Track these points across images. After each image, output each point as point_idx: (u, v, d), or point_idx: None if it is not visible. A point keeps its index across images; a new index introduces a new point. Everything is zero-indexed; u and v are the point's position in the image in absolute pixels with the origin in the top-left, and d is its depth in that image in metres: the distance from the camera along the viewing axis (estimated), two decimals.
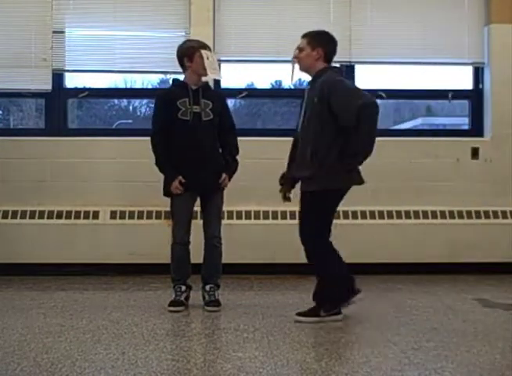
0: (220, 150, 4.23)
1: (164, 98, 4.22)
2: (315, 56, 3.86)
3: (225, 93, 5.78)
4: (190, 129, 4.09)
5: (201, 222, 4.24)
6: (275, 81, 6.49)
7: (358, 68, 5.87)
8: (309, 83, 3.94)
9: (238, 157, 4.27)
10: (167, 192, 4.14)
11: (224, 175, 4.17)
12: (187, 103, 4.11)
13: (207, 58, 4.10)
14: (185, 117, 4.10)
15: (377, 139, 5.72)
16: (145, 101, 7.17)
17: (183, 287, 4.17)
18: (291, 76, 4.00)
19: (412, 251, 5.55)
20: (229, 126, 4.27)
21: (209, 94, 4.20)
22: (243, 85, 6.11)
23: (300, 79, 6.07)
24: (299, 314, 3.82)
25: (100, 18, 5.71)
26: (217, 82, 5.64)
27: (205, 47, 4.16)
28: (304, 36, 3.96)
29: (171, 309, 4.06)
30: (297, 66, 3.95)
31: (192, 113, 4.10)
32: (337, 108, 3.66)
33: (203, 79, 4.14)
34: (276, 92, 6.37)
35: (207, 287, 4.17)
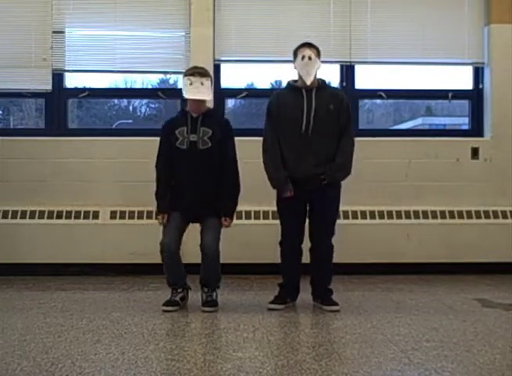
0: (219, 179, 4.16)
1: (166, 127, 4.26)
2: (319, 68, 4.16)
3: (226, 93, 5.86)
4: (187, 158, 4.11)
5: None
6: (275, 81, 6.49)
7: (358, 68, 5.87)
8: (307, 90, 4.07)
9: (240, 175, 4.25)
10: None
11: (224, 221, 4.15)
12: (184, 132, 4.13)
13: (190, 83, 4.10)
14: (182, 146, 4.13)
15: (377, 139, 5.81)
16: (145, 101, 7.18)
17: (179, 289, 4.19)
18: (311, 76, 4.07)
19: (412, 251, 5.55)
20: (229, 160, 4.19)
21: (210, 121, 4.17)
22: (243, 85, 6.11)
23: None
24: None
25: (100, 18, 5.71)
26: (217, 82, 5.66)
27: (194, 74, 4.14)
28: (312, 46, 4.16)
29: (165, 308, 4.07)
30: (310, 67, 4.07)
31: (189, 142, 4.12)
32: (342, 124, 4.09)
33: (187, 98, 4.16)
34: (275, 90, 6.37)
35: (205, 288, 4.18)
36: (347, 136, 4.11)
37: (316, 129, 4.04)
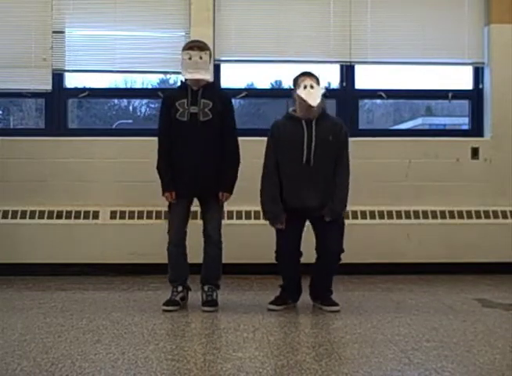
0: (220, 152, 4.16)
1: (166, 100, 4.25)
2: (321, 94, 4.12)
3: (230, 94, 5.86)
4: (187, 130, 4.09)
5: (201, 221, 4.24)
6: (275, 81, 6.49)
7: (358, 68, 5.87)
8: (307, 121, 4.04)
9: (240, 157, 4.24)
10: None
11: (220, 194, 4.15)
12: (185, 104, 4.12)
13: (189, 58, 4.10)
14: (182, 118, 4.10)
15: (378, 139, 5.81)
16: (145, 101, 7.18)
17: (180, 288, 4.19)
18: (317, 100, 4.04)
19: (412, 251, 5.55)
20: (228, 131, 4.18)
21: (210, 94, 4.16)
22: (243, 85, 6.11)
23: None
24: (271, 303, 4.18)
25: (100, 18, 5.71)
26: (217, 82, 5.66)
27: (193, 47, 4.13)
28: (312, 75, 4.11)
29: (165, 308, 4.07)
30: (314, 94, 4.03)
31: (190, 113, 4.10)
32: (338, 155, 4.06)
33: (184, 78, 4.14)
34: (276, 92, 6.36)
35: (206, 288, 4.18)
36: (342, 167, 4.07)
37: (317, 160, 4.01)
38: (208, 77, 4.20)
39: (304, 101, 3.99)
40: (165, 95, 4.34)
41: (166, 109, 4.18)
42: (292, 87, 4.19)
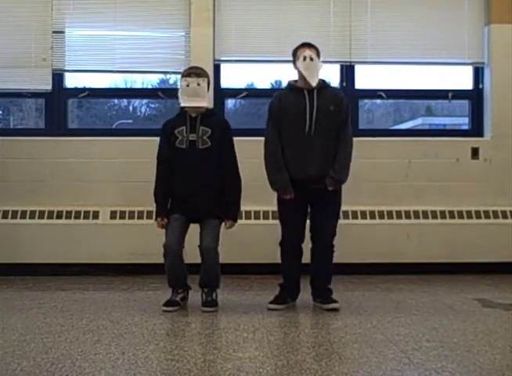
0: (219, 179, 4.16)
1: (165, 127, 4.26)
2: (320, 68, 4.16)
3: (226, 93, 5.86)
4: (186, 157, 4.11)
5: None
6: (275, 81, 6.49)
7: (358, 68, 5.87)
8: (308, 91, 4.06)
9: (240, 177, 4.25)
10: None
11: (227, 223, 4.18)
12: (184, 132, 4.14)
13: (187, 85, 4.11)
14: (181, 146, 4.13)
15: (378, 139, 5.81)
16: (145, 101, 7.18)
17: (180, 289, 4.19)
18: (315, 77, 4.07)
19: (412, 251, 5.55)
20: (228, 160, 4.18)
21: (209, 121, 4.17)
22: (243, 85, 6.11)
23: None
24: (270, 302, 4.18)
25: (100, 18, 5.71)
26: (217, 82, 5.66)
27: (190, 74, 4.14)
28: (311, 46, 4.16)
29: (165, 308, 4.07)
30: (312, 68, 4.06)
31: (189, 141, 4.12)
32: (341, 125, 4.09)
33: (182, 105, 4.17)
34: (276, 91, 6.35)
35: (205, 289, 4.18)
36: (345, 136, 4.10)
37: (318, 130, 4.03)
38: (206, 104, 4.19)
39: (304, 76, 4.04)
40: (165, 123, 4.32)
41: (165, 136, 4.21)
42: (292, 58, 4.20)
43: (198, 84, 4.11)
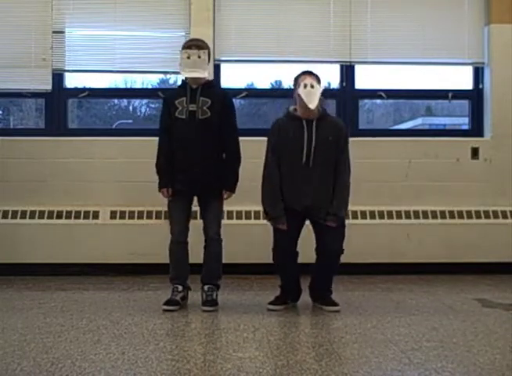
0: (219, 150, 4.18)
1: (166, 98, 4.28)
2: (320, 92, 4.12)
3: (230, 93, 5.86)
4: (186, 127, 4.11)
5: (201, 221, 4.24)
6: (275, 81, 6.49)
7: (358, 68, 5.87)
8: (307, 121, 4.03)
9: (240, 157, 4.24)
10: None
11: (225, 193, 4.18)
12: (184, 102, 4.14)
13: (188, 57, 4.11)
14: (181, 116, 4.13)
15: (377, 139, 5.81)
16: (145, 101, 7.18)
17: (180, 287, 4.19)
18: (315, 102, 4.03)
19: (412, 251, 5.55)
20: (228, 129, 4.19)
21: (210, 92, 4.17)
22: (243, 85, 6.11)
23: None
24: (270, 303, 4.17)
25: (100, 18, 5.71)
26: (217, 82, 5.66)
27: (191, 46, 4.14)
28: (312, 74, 4.10)
29: (165, 307, 4.08)
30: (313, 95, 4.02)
31: (188, 111, 4.12)
32: (339, 156, 4.06)
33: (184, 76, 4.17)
34: (276, 92, 6.36)
35: (206, 288, 4.19)
36: (343, 168, 4.06)
37: (316, 161, 4.00)
38: (206, 75, 4.20)
39: (303, 101, 3.99)
40: (166, 95, 4.37)
41: (166, 107, 4.22)
42: (293, 86, 4.19)
43: (199, 57, 4.12)
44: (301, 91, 4.02)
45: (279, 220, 4.05)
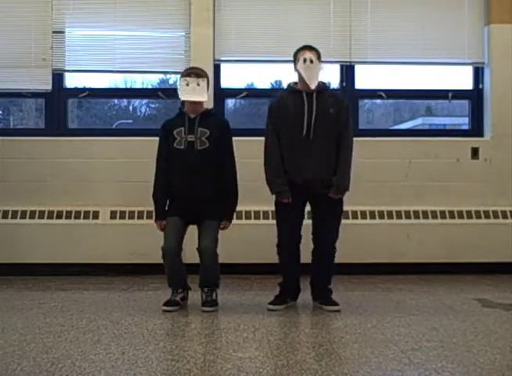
0: (218, 179, 4.16)
1: (164, 128, 4.26)
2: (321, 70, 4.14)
3: (226, 93, 5.86)
4: (184, 158, 4.11)
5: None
6: (275, 81, 6.49)
7: (358, 68, 5.87)
8: (308, 93, 4.04)
9: (236, 181, 4.24)
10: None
11: (223, 223, 4.17)
12: (182, 133, 4.14)
13: (187, 84, 4.11)
14: (179, 147, 4.13)
15: (377, 139, 5.81)
16: (145, 101, 7.17)
17: (180, 289, 4.19)
18: (315, 79, 4.05)
19: (412, 251, 5.55)
20: (227, 159, 4.19)
21: (208, 122, 4.17)
22: (243, 85, 6.11)
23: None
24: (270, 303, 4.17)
25: (100, 18, 5.71)
26: (217, 82, 5.66)
27: (190, 74, 4.15)
28: (312, 48, 4.12)
29: (165, 308, 4.07)
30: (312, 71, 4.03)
31: (187, 142, 4.12)
32: (341, 129, 4.07)
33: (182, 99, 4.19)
34: (276, 92, 6.34)
35: (205, 288, 4.18)
36: (345, 140, 4.08)
37: (317, 133, 4.01)
38: (205, 99, 4.19)
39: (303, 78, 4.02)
40: (164, 124, 4.32)
41: (164, 137, 4.22)
42: (293, 61, 4.18)
43: (198, 84, 4.13)
44: (300, 66, 4.04)
45: (284, 194, 4.06)
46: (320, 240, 4.13)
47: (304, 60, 4.03)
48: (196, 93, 4.11)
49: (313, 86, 4.03)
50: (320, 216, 4.12)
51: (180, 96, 4.18)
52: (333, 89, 4.35)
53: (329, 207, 4.09)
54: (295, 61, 4.14)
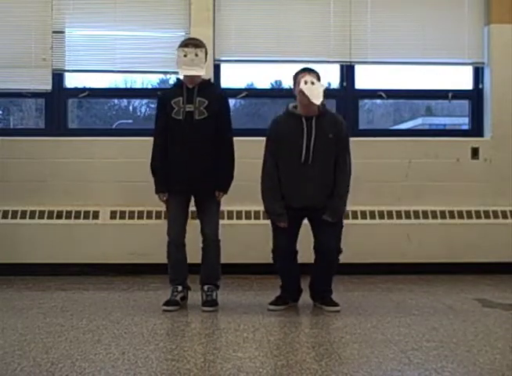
0: (217, 150, 4.13)
1: (162, 98, 4.24)
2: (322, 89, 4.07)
3: (227, 94, 5.82)
4: (183, 128, 4.08)
5: (199, 221, 4.24)
6: (275, 81, 6.49)
7: (358, 68, 5.87)
8: (307, 118, 4.01)
9: (235, 156, 4.21)
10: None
11: (217, 193, 4.16)
12: (180, 102, 4.10)
13: (184, 55, 4.08)
14: (177, 117, 4.09)
15: (378, 139, 5.82)
16: (145, 101, 7.18)
17: (179, 288, 4.18)
18: (319, 97, 4.00)
19: (412, 251, 5.55)
20: (224, 130, 4.16)
21: (207, 92, 4.14)
22: (243, 85, 6.11)
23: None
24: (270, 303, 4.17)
25: (100, 18, 5.71)
26: (217, 82, 5.66)
27: (188, 45, 4.11)
28: (312, 72, 4.08)
29: (165, 308, 4.07)
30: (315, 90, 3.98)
31: (185, 112, 4.08)
32: (339, 153, 4.04)
33: (180, 75, 4.15)
34: (276, 92, 6.35)
35: (205, 288, 4.18)
36: (343, 166, 4.05)
37: (316, 158, 3.98)
38: (203, 73, 4.16)
39: (306, 97, 3.94)
40: (161, 94, 4.32)
41: (162, 107, 4.18)
42: (292, 84, 4.17)
43: (196, 55, 4.08)
44: (302, 87, 3.97)
45: (280, 218, 4.05)
46: (322, 250, 4.07)
47: (306, 82, 3.96)
48: (195, 65, 4.06)
49: (318, 102, 3.94)
50: (320, 227, 4.06)
51: (178, 69, 4.13)
52: (334, 114, 4.27)
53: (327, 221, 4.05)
54: (295, 84, 4.09)
